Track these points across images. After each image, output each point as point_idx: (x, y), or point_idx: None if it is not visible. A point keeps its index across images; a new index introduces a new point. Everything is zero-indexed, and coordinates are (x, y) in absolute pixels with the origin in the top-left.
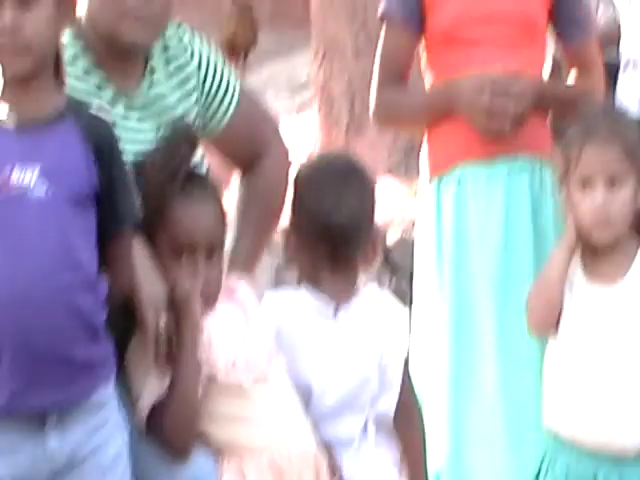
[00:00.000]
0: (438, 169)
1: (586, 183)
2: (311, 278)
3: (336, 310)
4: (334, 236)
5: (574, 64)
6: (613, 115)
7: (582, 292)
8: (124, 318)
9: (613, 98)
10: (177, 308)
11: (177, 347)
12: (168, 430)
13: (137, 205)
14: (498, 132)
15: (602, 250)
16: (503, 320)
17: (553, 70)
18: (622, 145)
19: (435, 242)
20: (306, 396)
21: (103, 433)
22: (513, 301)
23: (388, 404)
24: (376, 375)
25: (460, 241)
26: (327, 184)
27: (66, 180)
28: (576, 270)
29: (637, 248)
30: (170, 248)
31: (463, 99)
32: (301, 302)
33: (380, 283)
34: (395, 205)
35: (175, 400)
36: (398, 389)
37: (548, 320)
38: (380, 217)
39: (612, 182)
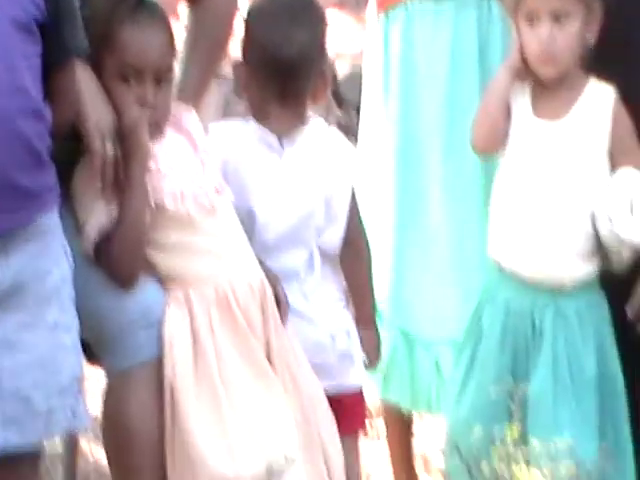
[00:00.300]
0: (386, 2)
1: (532, 18)
2: (259, 111)
3: (282, 143)
4: (283, 70)
5: None
6: None
7: (528, 125)
8: (70, 147)
9: None
10: (125, 135)
11: (124, 174)
12: (115, 256)
13: (83, 35)
14: None
15: (549, 85)
16: (449, 153)
17: None
18: None
19: (382, 76)
20: (250, 227)
21: (47, 260)
22: (459, 134)
23: (334, 237)
24: (321, 208)
25: (407, 75)
26: (278, 17)
27: (10, 2)
28: (524, 103)
29: (584, 84)
30: (117, 74)
31: None
32: (248, 134)
33: (329, 116)
34: (345, 38)
35: (123, 226)
36: (344, 222)
37: (490, 139)
38: (330, 51)
39: (557, 17)
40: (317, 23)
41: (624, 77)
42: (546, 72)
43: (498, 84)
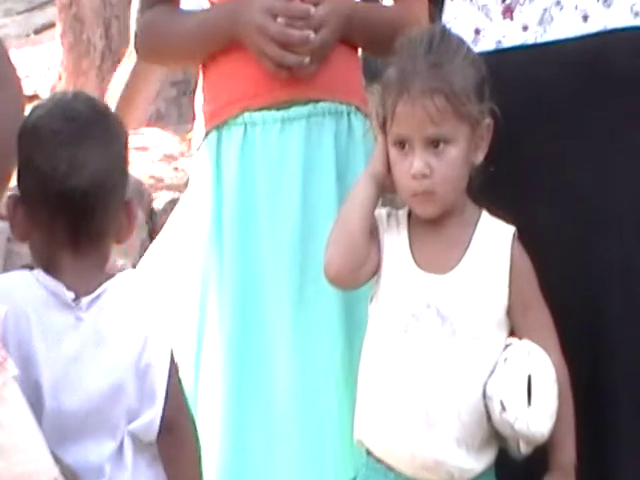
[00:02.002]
0: (218, 117)
1: (403, 144)
2: (46, 260)
3: (78, 300)
4: (73, 205)
5: None
6: (438, 51)
7: (404, 273)
8: None
9: (442, 24)
10: None
11: None
12: None
13: None
14: (294, 68)
15: (431, 224)
16: (300, 310)
17: None
18: (447, 94)
19: (213, 211)
20: (38, 408)
21: None
22: (313, 278)
23: (149, 418)
24: (133, 383)
25: (246, 206)
26: (61, 136)
27: None
28: (400, 242)
29: (475, 220)
30: None
31: (248, 24)
32: (33, 290)
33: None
34: (164, 161)
35: None
36: (163, 398)
37: (349, 265)
38: (142, 176)
39: (434, 143)
40: (115, 140)
41: (520, 208)
42: (423, 211)
43: (358, 195)
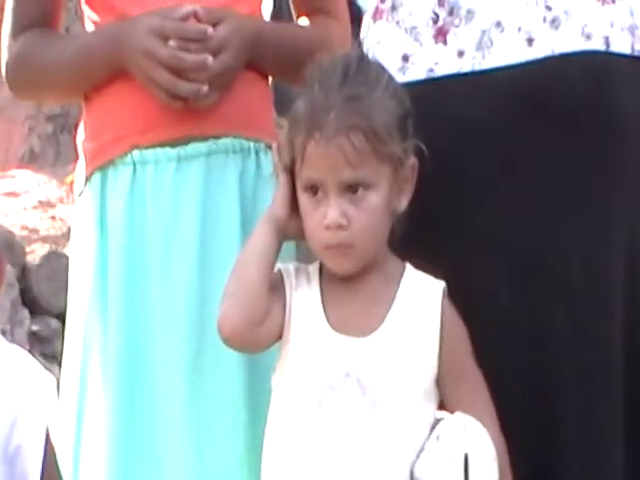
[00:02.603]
0: (102, 156)
1: (315, 190)
2: None
3: None
4: None
5: (305, 3)
6: (355, 81)
7: (317, 336)
8: None
9: (360, 50)
10: None
11: None
12: None
13: None
14: (190, 99)
15: (347, 281)
16: (197, 379)
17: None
18: (366, 132)
19: (96, 267)
20: None
21: None
22: (211, 349)
23: None
24: (0, 466)
25: (134, 261)
26: None
27: None
28: (311, 300)
29: (398, 276)
30: None
31: (134, 48)
32: None
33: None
34: (40, 208)
35: None
36: None
37: (246, 322)
38: (13, 226)
39: (352, 188)
40: None
41: (452, 262)
42: (338, 267)
43: (256, 243)
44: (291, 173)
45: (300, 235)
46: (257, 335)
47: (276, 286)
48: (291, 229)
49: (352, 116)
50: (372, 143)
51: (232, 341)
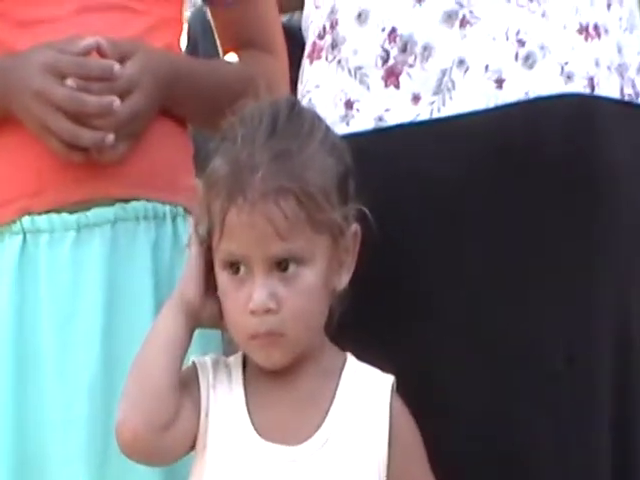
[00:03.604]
0: None
1: (236, 267)
2: None
3: None
4: None
5: (232, 36)
6: (285, 134)
7: (244, 448)
8: None
9: (292, 96)
10: None
11: None
12: None
13: None
14: (92, 151)
15: (276, 376)
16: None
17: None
18: (299, 196)
19: None
20: None
21: None
22: (117, 460)
23: None
24: None
25: (23, 351)
26: None
27: None
28: (235, 404)
29: (339, 369)
30: None
31: (23, 89)
32: None
33: None
34: None
35: None
36: None
37: (148, 429)
38: None
39: (282, 264)
40: None
41: (398, 351)
42: (267, 360)
43: (161, 332)
44: (208, 246)
45: (216, 321)
46: (164, 442)
47: (188, 383)
48: (205, 314)
49: (282, 177)
50: (306, 209)
51: (134, 450)
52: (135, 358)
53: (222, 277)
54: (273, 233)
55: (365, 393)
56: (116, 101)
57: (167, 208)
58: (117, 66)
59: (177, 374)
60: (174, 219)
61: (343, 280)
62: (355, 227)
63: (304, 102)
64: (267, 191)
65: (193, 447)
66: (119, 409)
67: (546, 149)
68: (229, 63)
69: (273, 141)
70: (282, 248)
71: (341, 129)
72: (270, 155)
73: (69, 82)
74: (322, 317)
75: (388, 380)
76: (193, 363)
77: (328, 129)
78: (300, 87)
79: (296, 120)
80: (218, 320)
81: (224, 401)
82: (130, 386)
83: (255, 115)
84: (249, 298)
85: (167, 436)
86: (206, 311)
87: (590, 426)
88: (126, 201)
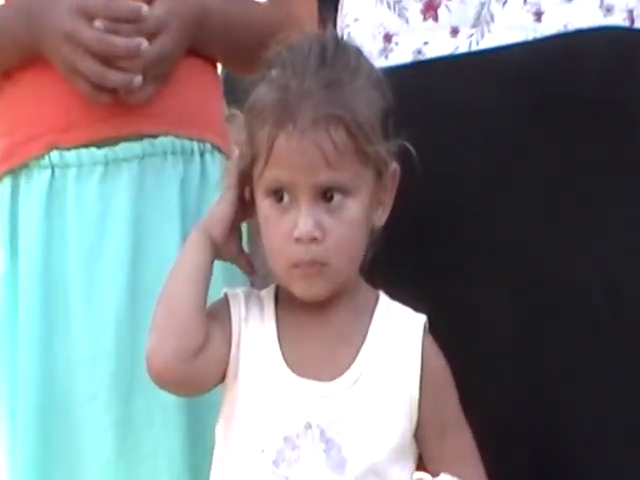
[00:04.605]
0: (13, 158)
1: (280, 195)
2: None
3: None
4: None
5: None
6: (334, 65)
7: (276, 383)
8: None
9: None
10: None
11: None
12: None
13: None
14: (120, 91)
15: (309, 312)
16: (127, 436)
17: None
18: (349, 125)
19: (3, 289)
20: None
21: None
22: (143, 396)
23: None
24: None
25: (51, 285)
26: None
27: None
28: (267, 339)
29: (372, 307)
30: None
31: (53, 31)
32: None
33: None
34: None
35: None
36: None
37: (178, 357)
38: None
39: (327, 194)
40: None
41: (436, 290)
42: (307, 290)
43: (186, 264)
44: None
45: (234, 257)
46: (193, 370)
47: (219, 314)
48: (225, 251)
49: (333, 106)
50: (354, 140)
51: (164, 379)
52: (162, 289)
53: (265, 205)
54: (322, 161)
55: (397, 331)
56: (144, 43)
57: (195, 144)
58: (145, 7)
59: (203, 302)
60: (202, 155)
61: (382, 218)
62: (395, 166)
63: (343, 36)
64: (318, 118)
65: (223, 379)
66: (149, 339)
67: (584, 81)
68: (257, 3)
69: (324, 70)
70: (329, 176)
71: (380, 62)
72: (321, 83)
73: (97, 24)
74: (362, 251)
75: (420, 319)
76: (225, 294)
77: (372, 64)
78: (339, 21)
79: (343, 53)
80: (235, 256)
81: (256, 335)
82: (158, 316)
83: (304, 45)
84: (293, 226)
85: (197, 364)
86: (227, 247)
87: (629, 362)
88: (154, 137)
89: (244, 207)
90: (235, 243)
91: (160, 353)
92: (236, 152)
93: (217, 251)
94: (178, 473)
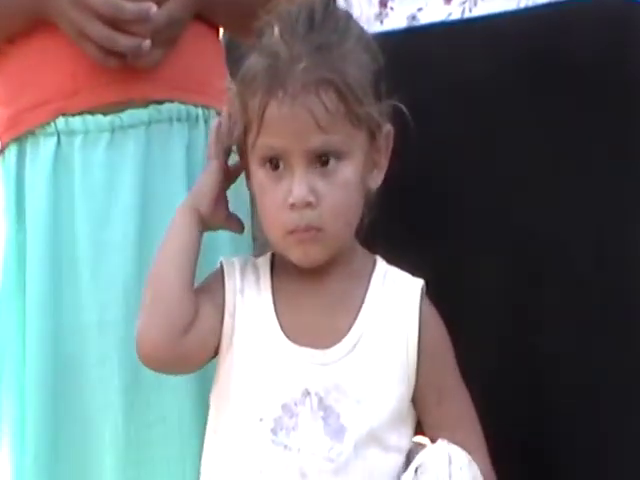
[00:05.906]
0: (18, 124)
1: (275, 163)
2: None
3: None
4: None
5: None
6: (323, 29)
7: (273, 351)
8: None
9: None
10: None
11: None
12: None
13: None
14: (128, 56)
15: (305, 278)
16: (136, 397)
17: None
18: (340, 88)
19: (10, 256)
20: None
21: None
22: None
23: None
24: None
25: (58, 253)
26: None
27: None
28: (262, 306)
29: (369, 273)
30: None
31: None
32: None
33: None
34: None
35: None
36: None
37: (167, 337)
38: None
39: (322, 158)
40: None
41: (435, 253)
42: (304, 256)
43: (175, 238)
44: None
45: (222, 223)
46: (184, 347)
47: (212, 285)
48: (213, 220)
49: (322, 69)
50: (345, 102)
51: (154, 360)
52: (151, 267)
53: (259, 174)
54: (314, 125)
55: (395, 296)
56: (153, 7)
57: (200, 110)
58: None
59: (190, 281)
60: (207, 121)
61: (377, 180)
62: (388, 127)
63: (340, 0)
64: (308, 82)
65: (216, 353)
66: (138, 321)
67: (582, 50)
68: None
69: (312, 35)
70: (322, 140)
71: (375, 27)
72: (310, 48)
73: None
74: (358, 215)
75: (418, 283)
76: (221, 264)
77: (362, 27)
78: None
79: (332, 17)
80: (224, 220)
81: (252, 304)
82: (146, 295)
83: (292, 12)
84: (288, 193)
85: (187, 340)
86: (215, 216)
87: (618, 331)
88: (160, 103)
89: (228, 175)
90: (222, 210)
91: (148, 336)
92: (217, 121)
93: (206, 223)
94: (189, 438)
